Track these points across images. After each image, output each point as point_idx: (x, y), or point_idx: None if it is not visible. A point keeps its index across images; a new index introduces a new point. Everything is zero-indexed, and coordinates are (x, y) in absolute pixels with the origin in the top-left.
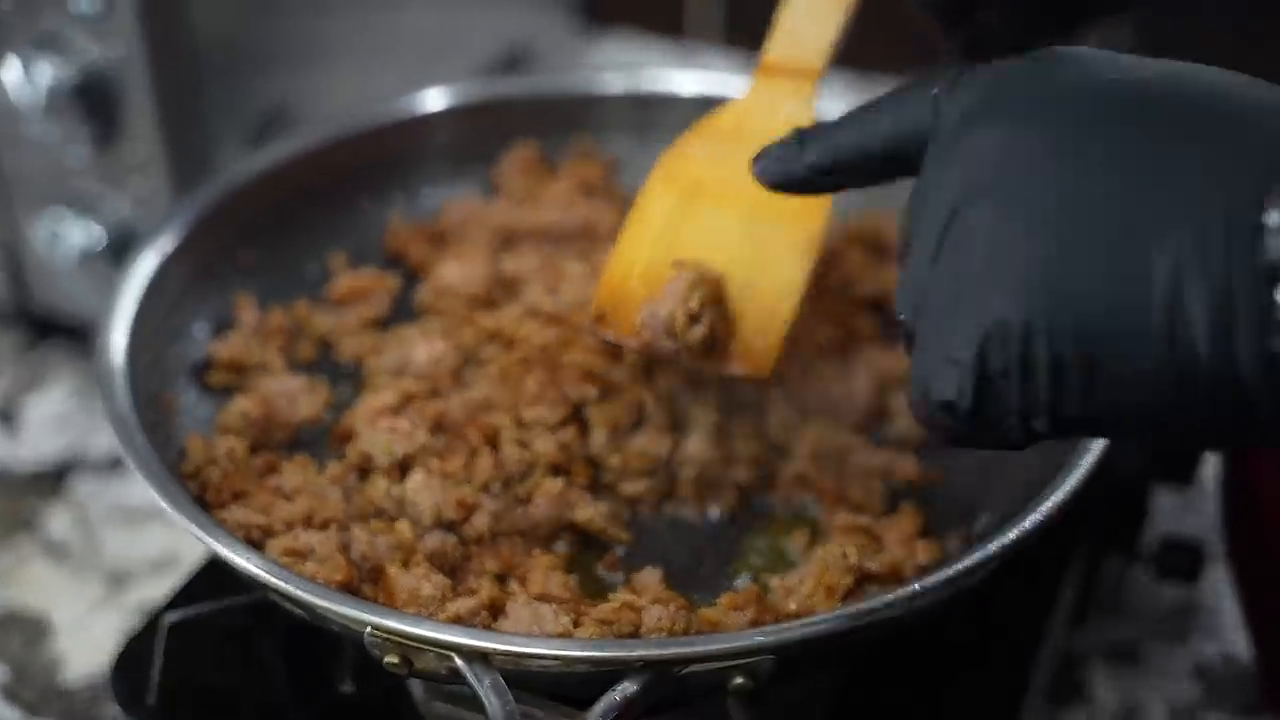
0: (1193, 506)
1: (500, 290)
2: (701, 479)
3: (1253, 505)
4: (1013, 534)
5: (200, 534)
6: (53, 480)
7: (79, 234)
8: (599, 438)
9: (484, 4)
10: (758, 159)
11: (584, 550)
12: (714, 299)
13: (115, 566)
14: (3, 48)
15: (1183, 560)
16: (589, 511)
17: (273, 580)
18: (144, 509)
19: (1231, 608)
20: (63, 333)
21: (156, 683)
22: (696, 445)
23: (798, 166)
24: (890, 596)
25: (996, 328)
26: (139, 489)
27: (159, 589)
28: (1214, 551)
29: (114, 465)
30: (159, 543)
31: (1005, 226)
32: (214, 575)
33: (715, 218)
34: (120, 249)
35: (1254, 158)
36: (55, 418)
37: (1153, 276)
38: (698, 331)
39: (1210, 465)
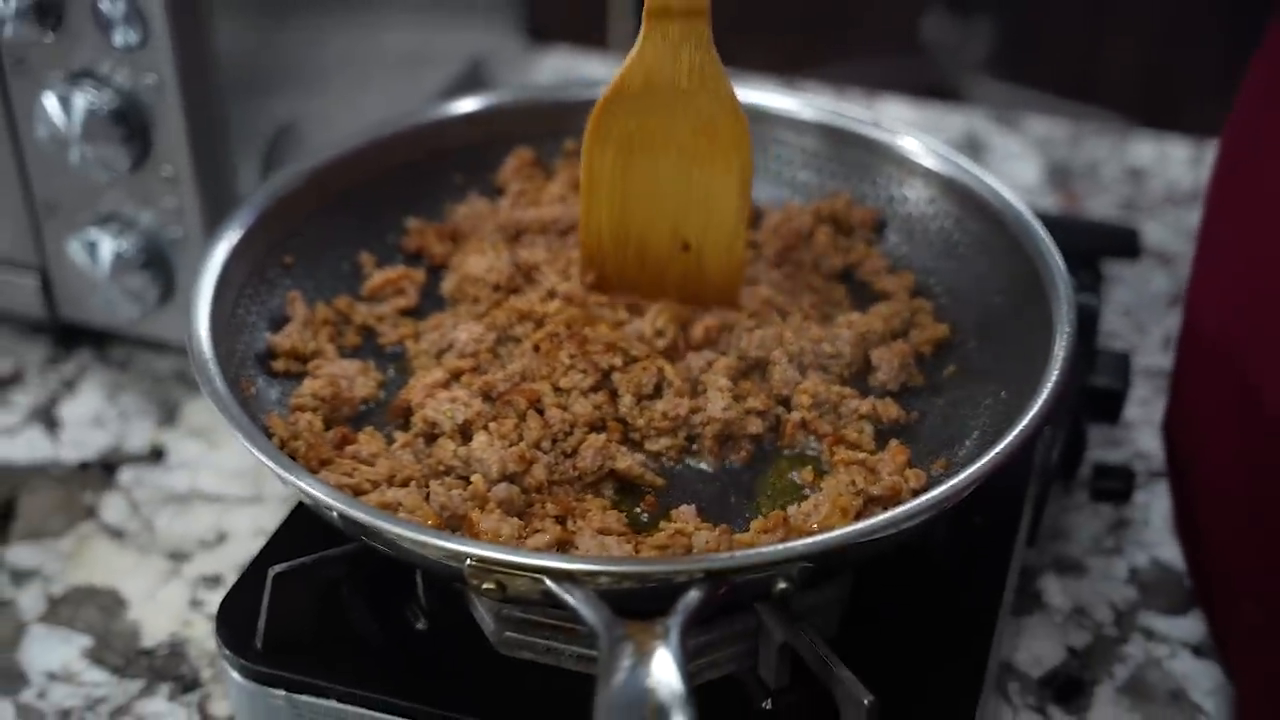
0: (1117, 441)
1: (519, 277)
2: (721, 435)
3: (1185, 441)
4: (991, 455)
5: (318, 492)
6: (100, 472)
7: (113, 248)
8: (626, 401)
9: (448, 27)
10: None
11: (623, 496)
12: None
13: (171, 545)
14: (46, 78)
15: (1115, 485)
16: (628, 460)
17: (391, 528)
18: (189, 494)
19: (1158, 523)
20: (89, 340)
21: (263, 628)
22: (716, 406)
23: None
24: (901, 509)
25: None
26: (180, 476)
27: (214, 562)
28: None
29: (154, 457)
30: (206, 522)
31: None
32: (293, 536)
33: (653, 168)
34: (152, 260)
35: None
36: (91, 417)
37: None
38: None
39: (1134, 406)
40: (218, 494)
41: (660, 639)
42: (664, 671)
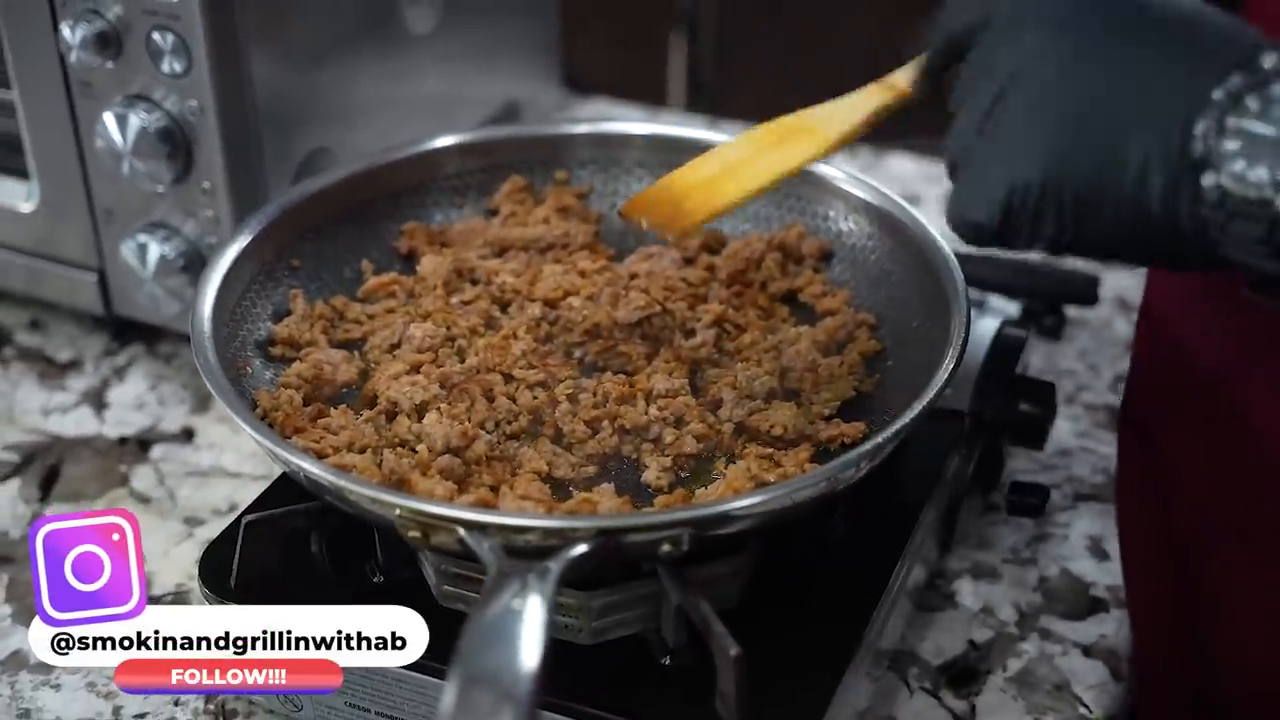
0: (1053, 466)
1: (457, 280)
2: (656, 453)
3: (1149, 470)
4: (850, 456)
5: (280, 450)
6: (136, 448)
7: (158, 252)
8: (564, 407)
9: (481, 74)
10: None
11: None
12: None
13: (189, 512)
14: (103, 101)
15: (1030, 501)
16: (565, 470)
17: (332, 479)
18: (210, 469)
19: (1076, 540)
20: (139, 334)
21: (236, 569)
22: (655, 430)
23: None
24: (766, 492)
25: (1022, 182)
26: (206, 454)
27: (223, 528)
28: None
29: (185, 437)
30: (221, 494)
31: (1036, 113)
32: (278, 494)
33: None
34: (191, 263)
35: (1194, 81)
36: (135, 401)
37: (1129, 161)
38: None
39: (1072, 437)
40: (236, 471)
41: (539, 576)
42: (535, 600)
